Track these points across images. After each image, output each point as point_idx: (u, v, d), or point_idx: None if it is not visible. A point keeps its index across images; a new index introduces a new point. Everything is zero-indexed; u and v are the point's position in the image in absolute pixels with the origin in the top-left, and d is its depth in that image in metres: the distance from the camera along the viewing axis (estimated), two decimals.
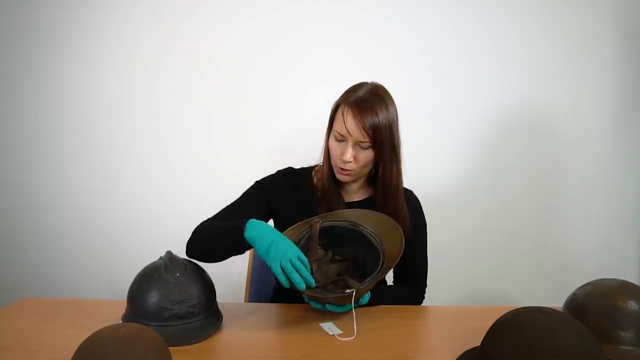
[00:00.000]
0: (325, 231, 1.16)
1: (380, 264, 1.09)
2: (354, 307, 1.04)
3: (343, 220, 1.17)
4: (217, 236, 1.14)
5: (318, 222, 1.15)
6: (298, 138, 1.89)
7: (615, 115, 1.95)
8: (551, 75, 1.92)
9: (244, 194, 1.30)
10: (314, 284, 1.04)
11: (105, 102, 1.97)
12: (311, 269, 1.11)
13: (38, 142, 2.00)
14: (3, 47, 1.96)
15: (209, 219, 1.24)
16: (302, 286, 1.01)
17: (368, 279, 1.06)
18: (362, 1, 1.89)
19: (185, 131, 1.97)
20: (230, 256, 1.14)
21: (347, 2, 1.89)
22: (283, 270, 1.01)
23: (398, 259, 1.07)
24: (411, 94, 1.90)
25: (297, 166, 1.36)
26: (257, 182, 1.31)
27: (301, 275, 1.01)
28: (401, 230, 1.13)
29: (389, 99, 1.19)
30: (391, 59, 1.91)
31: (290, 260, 1.01)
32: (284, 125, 1.95)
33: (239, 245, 1.08)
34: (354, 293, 1.01)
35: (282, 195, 1.27)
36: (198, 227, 1.20)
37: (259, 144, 1.96)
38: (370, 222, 1.17)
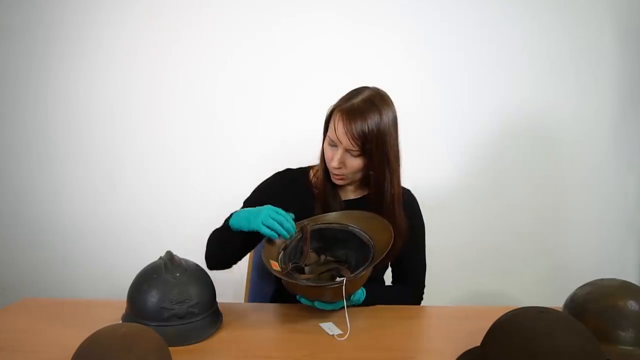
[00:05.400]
0: (317, 234, 1.17)
1: (371, 256, 1.10)
2: (346, 305, 1.03)
3: (333, 223, 1.19)
4: (218, 240, 1.21)
5: (308, 225, 1.16)
6: (297, 139, 1.89)
7: (615, 116, 1.95)
8: (552, 76, 1.92)
9: (244, 201, 1.31)
10: (294, 231, 1.11)
11: (104, 103, 1.97)
12: (303, 269, 1.14)
13: (37, 143, 2.00)
14: (2, 47, 1.96)
15: (215, 229, 1.28)
16: (286, 235, 1.09)
17: (359, 270, 1.07)
18: (361, 3, 1.89)
19: (184, 132, 1.97)
20: (237, 252, 1.21)
21: (346, 4, 1.89)
22: (270, 228, 1.08)
23: (388, 248, 1.07)
24: (412, 95, 1.89)
25: (296, 166, 1.37)
26: (256, 187, 1.33)
27: (284, 228, 1.09)
28: (390, 225, 1.13)
29: (385, 107, 1.16)
30: (392, 59, 1.91)
31: (271, 216, 1.08)
32: (283, 126, 1.95)
33: (233, 238, 1.15)
34: (344, 281, 1.00)
35: (279, 196, 1.28)
36: (208, 238, 1.25)
37: (258, 144, 1.96)
38: (360, 222, 1.17)
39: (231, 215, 1.26)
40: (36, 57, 1.95)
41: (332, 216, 1.20)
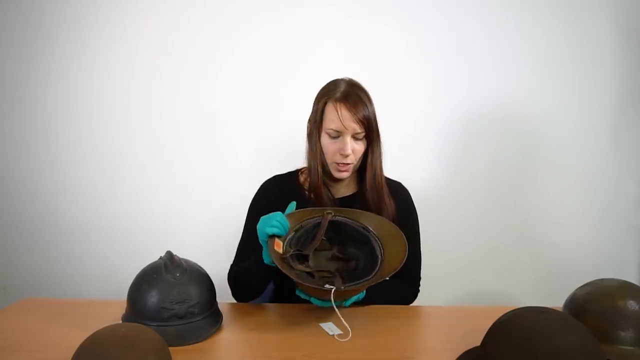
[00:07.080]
0: (336, 226, 1.15)
1: (375, 272, 1.07)
2: (343, 306, 1.05)
3: (356, 221, 1.17)
4: (249, 277, 1.20)
5: (330, 214, 1.15)
6: (298, 139, 1.88)
7: (615, 117, 1.95)
8: (551, 75, 1.92)
9: (245, 224, 1.32)
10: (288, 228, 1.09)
11: (105, 102, 1.97)
12: (307, 258, 1.12)
13: (39, 142, 2.00)
14: (1, 47, 1.96)
15: (232, 265, 1.30)
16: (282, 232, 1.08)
17: (352, 283, 1.04)
18: (354, 1, 1.89)
19: (185, 131, 1.97)
20: (269, 279, 1.21)
21: (345, 4, 1.89)
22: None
23: (389, 276, 1.05)
24: (409, 95, 1.89)
25: (299, 166, 1.37)
26: (250, 205, 1.33)
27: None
28: (407, 250, 1.09)
29: (366, 91, 1.23)
30: (390, 59, 1.90)
31: (273, 225, 1.07)
32: (284, 127, 1.94)
33: (270, 272, 1.16)
34: (332, 291, 0.98)
35: (271, 205, 1.27)
36: (229, 277, 1.27)
37: (259, 144, 1.95)
38: (382, 231, 1.15)
39: (240, 244, 1.30)
40: (36, 56, 1.95)
41: (356, 215, 1.18)
